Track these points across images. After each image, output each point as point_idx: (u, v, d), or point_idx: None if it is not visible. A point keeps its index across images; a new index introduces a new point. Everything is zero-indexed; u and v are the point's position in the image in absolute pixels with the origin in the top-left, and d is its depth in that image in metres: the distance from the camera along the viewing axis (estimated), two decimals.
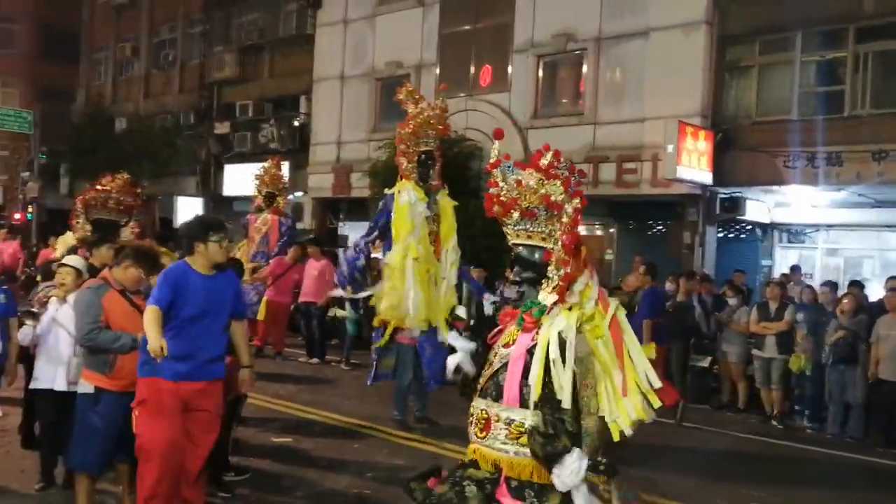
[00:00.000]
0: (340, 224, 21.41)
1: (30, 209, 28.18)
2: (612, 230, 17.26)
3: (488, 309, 11.45)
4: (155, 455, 4.77)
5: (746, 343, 10.68)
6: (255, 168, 13.26)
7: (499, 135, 3.58)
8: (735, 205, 14.77)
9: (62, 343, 5.63)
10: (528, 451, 3.18)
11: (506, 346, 3.37)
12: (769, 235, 16.23)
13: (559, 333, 3.19)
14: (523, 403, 3.23)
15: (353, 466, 6.98)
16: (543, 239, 3.32)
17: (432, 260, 8.32)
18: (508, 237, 3.44)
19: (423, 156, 8.38)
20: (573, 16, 16.24)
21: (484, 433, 3.31)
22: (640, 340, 3.48)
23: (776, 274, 14.47)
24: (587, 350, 3.21)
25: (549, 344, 3.18)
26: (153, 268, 5.27)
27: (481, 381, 3.41)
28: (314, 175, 21.30)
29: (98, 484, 5.44)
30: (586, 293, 3.31)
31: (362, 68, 20.22)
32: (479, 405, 3.39)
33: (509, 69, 17.50)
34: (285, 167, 13.70)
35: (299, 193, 20.96)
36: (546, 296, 3.31)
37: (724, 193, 14.79)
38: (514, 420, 3.25)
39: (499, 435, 3.27)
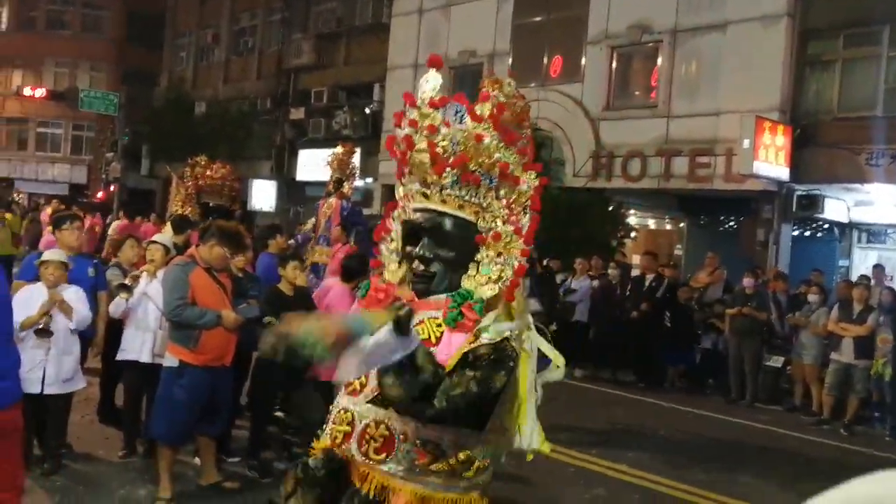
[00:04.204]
0: None
1: (112, 188, 29.18)
2: (682, 225, 17.08)
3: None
4: None
5: (823, 345, 10.43)
6: (327, 154, 13.51)
7: (436, 62, 2.65)
8: (813, 202, 14.43)
9: (150, 316, 5.89)
10: (456, 484, 2.47)
11: (425, 342, 2.46)
12: (847, 235, 15.79)
13: (506, 340, 2.40)
14: None
15: None
16: (476, 213, 2.53)
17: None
18: (418, 200, 2.56)
19: None
20: (649, 7, 16.07)
21: (382, 454, 2.42)
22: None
23: (854, 275, 14.10)
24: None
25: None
26: (238, 247, 5.47)
27: (372, 384, 2.44)
28: (385, 162, 21.49)
29: (179, 455, 5.64)
30: (520, 301, 2.57)
31: None
32: (367, 414, 2.45)
33: (582, 60, 17.41)
34: (358, 153, 13.91)
35: (370, 180, 21.25)
36: (477, 286, 2.50)
37: (802, 190, 14.47)
38: (430, 441, 2.41)
39: (404, 459, 2.40)
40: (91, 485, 5.61)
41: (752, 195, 14.60)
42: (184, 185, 10.29)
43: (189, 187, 9.70)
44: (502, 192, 2.55)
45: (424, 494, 2.42)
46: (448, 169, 2.46)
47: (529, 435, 2.55)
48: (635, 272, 13.92)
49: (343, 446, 2.47)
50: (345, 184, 12.50)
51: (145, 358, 5.92)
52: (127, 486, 5.66)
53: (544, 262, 12.71)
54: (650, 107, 16.24)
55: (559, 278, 12.80)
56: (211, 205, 9.06)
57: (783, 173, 14.00)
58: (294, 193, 25.26)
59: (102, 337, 6.29)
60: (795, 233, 15.22)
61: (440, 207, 2.52)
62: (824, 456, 8.58)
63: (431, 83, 2.57)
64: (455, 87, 19.86)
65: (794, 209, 14.64)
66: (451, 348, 2.40)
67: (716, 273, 12.65)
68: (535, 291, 10.08)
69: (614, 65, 17.02)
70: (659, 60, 16.17)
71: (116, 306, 5.93)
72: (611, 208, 15.82)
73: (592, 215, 15.09)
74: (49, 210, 17.27)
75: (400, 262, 2.65)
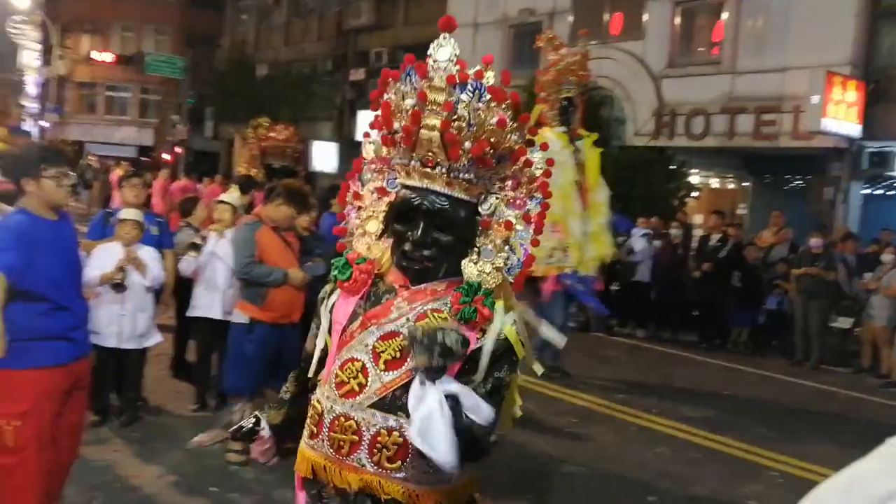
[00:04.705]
0: None
1: (177, 150, 29.82)
2: (746, 184, 16.75)
3: (640, 244, 11.32)
4: None
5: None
6: None
7: (448, 24, 2.34)
8: (884, 160, 13.99)
9: (219, 274, 6.06)
10: (462, 474, 2.25)
11: None
12: None
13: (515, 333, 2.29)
14: None
15: None
16: (479, 195, 2.32)
17: (576, 209, 8.21)
18: (417, 179, 2.29)
19: (564, 102, 8.36)
20: None
21: (397, 462, 2.22)
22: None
23: None
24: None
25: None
26: (303, 207, 5.59)
27: (374, 387, 2.25)
28: None
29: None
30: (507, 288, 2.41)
31: (495, 15, 20.11)
32: (374, 421, 2.24)
33: (644, 16, 17.06)
34: None
35: None
36: (480, 273, 2.30)
37: (873, 148, 14.03)
38: None
39: (420, 464, 2.17)
40: (165, 436, 5.83)
41: (820, 153, 14.22)
42: (248, 147, 10.50)
43: (253, 149, 9.91)
44: (510, 174, 2.34)
45: (446, 490, 2.26)
46: (463, 152, 2.20)
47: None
48: (697, 232, 13.74)
49: (351, 456, 2.25)
50: None
51: (216, 315, 6.09)
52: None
53: None
54: (714, 63, 15.89)
55: (619, 239, 12.70)
56: (275, 166, 9.25)
57: (854, 130, 13.59)
58: (354, 154, 25.08)
59: (170, 294, 6.45)
60: (865, 191, 14.78)
61: (445, 190, 2.26)
62: (892, 418, 8.43)
63: (447, 51, 2.28)
64: (514, 46, 19.70)
65: (864, 167, 14.23)
66: None
67: (781, 233, 12.41)
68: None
69: (677, 20, 16.64)
70: (724, 15, 15.76)
71: (187, 264, 6.09)
72: (673, 167, 15.57)
73: (654, 174, 14.90)
74: (119, 172, 17.76)
75: (379, 236, 2.42)
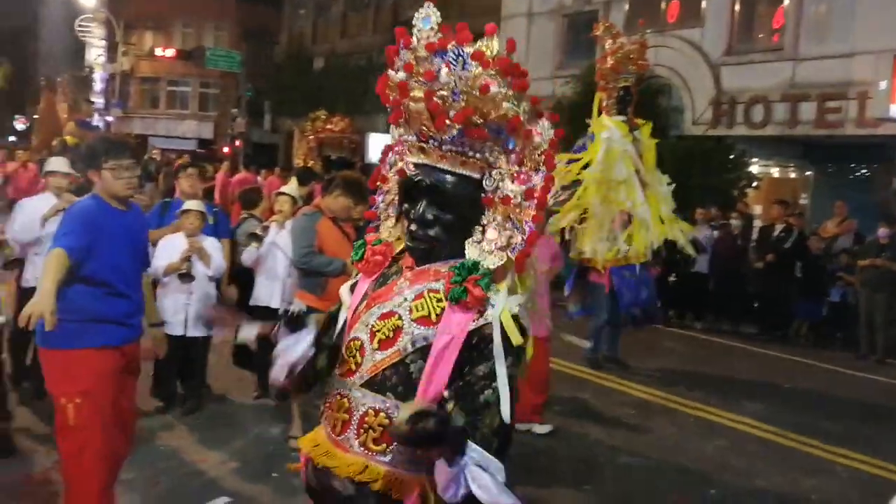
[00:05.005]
0: None
1: (237, 143, 30.35)
2: (808, 173, 16.36)
3: (701, 234, 11.19)
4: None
5: None
6: None
7: None
8: None
9: (279, 264, 6.17)
10: None
11: (419, 321, 2.20)
12: None
13: (516, 318, 2.16)
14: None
15: None
16: (481, 169, 2.20)
17: (640, 199, 8.19)
18: (415, 155, 2.25)
19: (621, 91, 8.33)
20: None
21: (381, 444, 2.17)
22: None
23: None
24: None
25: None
26: (361, 198, 5.65)
27: (367, 366, 2.22)
28: None
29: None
30: (530, 273, 2.33)
31: (550, 5, 19.96)
32: (364, 400, 2.21)
33: (703, 3, 16.74)
34: None
35: None
36: (482, 253, 2.21)
37: None
38: None
39: (406, 449, 2.10)
40: (228, 423, 5.98)
41: (886, 140, 13.79)
42: (305, 139, 10.63)
43: (310, 141, 10.05)
44: (512, 147, 2.20)
45: (431, 480, 2.12)
46: (448, 123, 2.12)
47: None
48: (757, 222, 13.45)
49: (342, 435, 2.22)
50: None
51: (276, 304, 6.18)
52: (261, 424, 6.01)
53: None
54: (775, 49, 15.50)
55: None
56: (332, 157, 9.35)
57: None
58: None
59: (226, 283, 6.60)
60: None
61: (439, 164, 2.20)
62: None
63: (428, 20, 2.23)
64: (569, 36, 19.54)
65: None
66: (452, 327, 2.13)
67: (845, 223, 12.10)
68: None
69: (737, 7, 16.29)
70: (786, 0, 15.37)
71: (248, 255, 6.21)
72: (732, 156, 15.28)
73: (713, 164, 14.64)
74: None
75: (397, 219, 2.40)
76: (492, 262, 2.18)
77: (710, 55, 16.32)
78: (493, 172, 2.20)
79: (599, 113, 8.47)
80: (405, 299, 2.23)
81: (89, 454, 3.65)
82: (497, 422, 2.03)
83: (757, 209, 15.64)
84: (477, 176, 2.20)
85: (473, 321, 2.13)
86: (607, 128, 8.23)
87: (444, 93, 2.11)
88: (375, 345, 2.22)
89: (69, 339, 3.62)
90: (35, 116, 42.71)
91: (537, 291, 5.85)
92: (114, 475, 3.90)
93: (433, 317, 2.18)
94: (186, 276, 5.64)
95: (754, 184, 15.62)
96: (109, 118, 37.80)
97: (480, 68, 2.09)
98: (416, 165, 2.24)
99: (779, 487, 5.70)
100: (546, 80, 19.70)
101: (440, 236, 2.22)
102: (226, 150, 30.96)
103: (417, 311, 2.21)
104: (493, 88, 2.08)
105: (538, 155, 2.21)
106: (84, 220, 3.66)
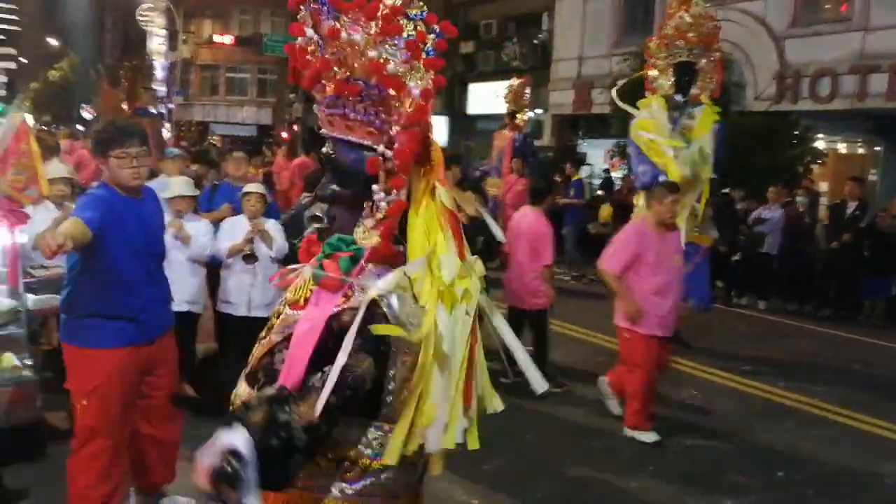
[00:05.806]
0: (579, 141, 21.33)
1: (295, 127, 30.68)
2: (877, 148, 15.82)
3: (770, 213, 10.81)
4: None
5: None
6: (497, 87, 13.52)
7: None
8: None
9: None
10: (327, 488, 1.92)
11: (293, 305, 2.00)
12: None
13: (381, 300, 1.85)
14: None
15: (589, 377, 6.82)
16: (371, 133, 1.94)
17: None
18: (319, 125, 2.05)
19: (677, 68, 7.84)
20: None
21: None
22: None
23: None
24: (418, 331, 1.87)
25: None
26: None
27: (251, 358, 2.05)
28: (555, 92, 21.26)
29: None
30: (437, 252, 1.95)
31: None
32: (241, 393, 2.02)
33: None
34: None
35: (540, 111, 21.09)
36: (365, 233, 1.98)
37: None
38: None
39: None
40: None
41: None
42: None
43: None
44: (404, 105, 1.93)
45: (288, 500, 1.92)
46: (321, 81, 1.90)
47: (438, 430, 1.92)
48: (823, 200, 13.05)
49: None
50: (518, 116, 12.56)
51: None
52: None
53: (723, 191, 12.16)
54: (843, 20, 14.99)
55: (739, 207, 12.27)
56: None
57: None
58: (465, 128, 25.50)
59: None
60: None
61: (330, 132, 1.98)
62: None
63: None
64: (626, 13, 19.21)
65: None
66: (316, 310, 1.89)
67: None
68: (714, 220, 9.66)
69: None
70: None
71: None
72: (797, 132, 14.85)
73: (777, 141, 14.24)
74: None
75: None
76: (369, 239, 1.95)
77: (774, 28, 15.87)
78: (385, 137, 1.94)
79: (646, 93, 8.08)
80: (296, 288, 2.05)
81: (90, 454, 3.66)
82: (305, 412, 1.72)
83: (822, 186, 15.20)
84: (369, 143, 1.95)
85: (336, 306, 1.88)
86: (648, 105, 7.82)
87: (312, 47, 1.91)
88: (264, 335, 2.05)
89: (81, 337, 3.64)
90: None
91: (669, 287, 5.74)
92: (156, 467, 3.99)
93: (302, 301, 1.97)
94: (250, 257, 5.71)
95: (820, 160, 15.17)
96: (171, 106, 38.57)
97: (350, 18, 1.88)
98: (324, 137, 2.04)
99: (852, 472, 5.55)
100: (603, 58, 19.45)
101: (338, 213, 2.04)
102: (284, 134, 31.34)
103: (292, 294, 2.02)
104: (355, 35, 1.85)
105: (408, 107, 1.94)
106: (97, 203, 3.56)
